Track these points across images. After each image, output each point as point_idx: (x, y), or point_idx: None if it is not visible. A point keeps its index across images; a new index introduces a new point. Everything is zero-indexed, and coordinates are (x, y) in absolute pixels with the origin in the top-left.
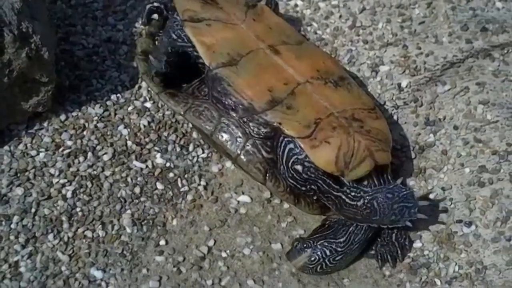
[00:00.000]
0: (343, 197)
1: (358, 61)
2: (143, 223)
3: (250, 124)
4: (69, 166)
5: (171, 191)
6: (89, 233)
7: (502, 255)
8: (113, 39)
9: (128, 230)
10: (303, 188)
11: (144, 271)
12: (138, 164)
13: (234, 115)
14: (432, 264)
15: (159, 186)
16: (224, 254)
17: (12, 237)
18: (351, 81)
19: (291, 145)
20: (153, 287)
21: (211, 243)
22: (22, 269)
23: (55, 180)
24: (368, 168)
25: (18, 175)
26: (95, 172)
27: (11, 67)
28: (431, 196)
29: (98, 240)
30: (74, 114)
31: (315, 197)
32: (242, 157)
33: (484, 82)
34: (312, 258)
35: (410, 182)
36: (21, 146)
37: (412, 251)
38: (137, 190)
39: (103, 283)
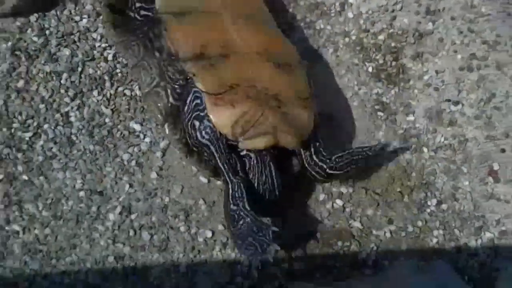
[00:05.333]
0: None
1: None
2: None
3: (169, 67)
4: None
5: None
6: (128, 92)
7: (482, 130)
8: None
9: None
10: (195, 149)
11: None
12: None
13: (158, 55)
14: (422, 135)
15: None
16: None
17: (62, 91)
18: (299, 72)
19: (198, 101)
20: None
21: None
22: (72, 119)
23: (97, 44)
24: (265, 144)
25: (65, 37)
26: None
27: None
28: (426, 77)
29: (136, 99)
30: None
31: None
32: (150, 95)
33: None
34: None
35: (409, 64)
36: (66, 12)
37: (405, 123)
38: None
39: (141, 135)
